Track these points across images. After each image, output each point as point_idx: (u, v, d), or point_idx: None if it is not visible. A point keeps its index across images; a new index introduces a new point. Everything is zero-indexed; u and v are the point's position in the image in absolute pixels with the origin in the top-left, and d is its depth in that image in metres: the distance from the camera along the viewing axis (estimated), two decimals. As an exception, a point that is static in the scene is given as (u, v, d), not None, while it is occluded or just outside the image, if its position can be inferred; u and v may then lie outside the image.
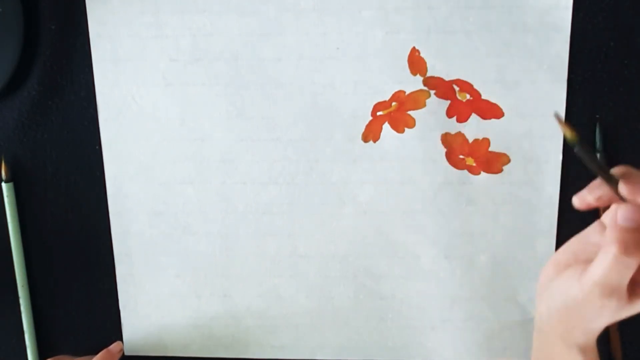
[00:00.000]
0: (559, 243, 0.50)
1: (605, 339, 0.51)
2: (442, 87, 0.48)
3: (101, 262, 0.53)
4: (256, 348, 0.54)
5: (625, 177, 0.35)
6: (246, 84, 0.50)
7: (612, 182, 0.34)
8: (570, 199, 0.50)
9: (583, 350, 0.40)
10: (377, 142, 0.50)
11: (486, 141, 0.49)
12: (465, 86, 0.48)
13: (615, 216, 0.34)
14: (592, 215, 0.50)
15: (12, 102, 0.51)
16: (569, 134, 0.34)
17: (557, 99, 0.48)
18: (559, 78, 0.48)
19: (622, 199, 0.35)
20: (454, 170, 0.49)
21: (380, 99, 0.49)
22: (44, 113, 0.51)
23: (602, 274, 0.35)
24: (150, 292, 0.54)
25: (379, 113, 0.49)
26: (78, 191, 0.52)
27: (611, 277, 0.35)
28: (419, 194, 0.50)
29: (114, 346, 0.53)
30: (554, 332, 0.40)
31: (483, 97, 0.48)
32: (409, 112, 0.49)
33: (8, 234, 0.53)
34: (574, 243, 0.39)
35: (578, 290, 0.37)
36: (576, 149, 0.34)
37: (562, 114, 0.48)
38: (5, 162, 0.52)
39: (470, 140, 0.49)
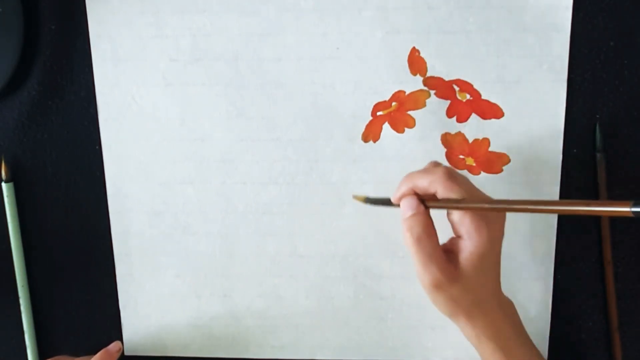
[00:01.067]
0: (559, 243, 0.50)
1: (605, 339, 0.51)
2: (442, 87, 0.48)
3: (101, 262, 0.53)
4: (256, 348, 0.54)
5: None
6: (246, 84, 0.50)
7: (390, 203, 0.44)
8: (570, 199, 0.50)
9: (493, 335, 0.43)
10: (377, 142, 0.50)
11: (486, 141, 0.49)
12: (465, 86, 0.48)
13: (401, 214, 0.43)
14: (591, 216, 0.50)
15: (12, 102, 0.51)
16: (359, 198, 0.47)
17: (557, 99, 0.48)
18: (559, 78, 0.48)
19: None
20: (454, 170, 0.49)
21: (380, 99, 0.49)
22: (44, 113, 0.51)
23: (416, 261, 0.41)
24: (150, 292, 0.54)
25: (379, 113, 0.49)
26: (78, 191, 0.52)
27: (422, 259, 0.41)
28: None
29: (113, 346, 0.53)
30: (459, 326, 0.44)
31: (483, 97, 0.48)
32: (409, 112, 0.49)
33: (8, 234, 0.53)
34: None
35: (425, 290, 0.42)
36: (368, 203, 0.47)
37: (562, 114, 0.48)
38: (5, 162, 0.52)
39: (470, 140, 0.49)
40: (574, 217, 0.50)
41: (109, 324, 0.54)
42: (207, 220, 0.52)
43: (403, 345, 0.53)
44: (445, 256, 0.41)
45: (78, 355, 0.54)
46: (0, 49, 0.49)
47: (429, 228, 0.42)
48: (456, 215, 0.41)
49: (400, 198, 0.43)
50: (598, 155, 0.48)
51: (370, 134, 0.50)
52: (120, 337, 0.54)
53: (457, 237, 0.42)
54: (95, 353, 0.52)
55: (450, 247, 0.42)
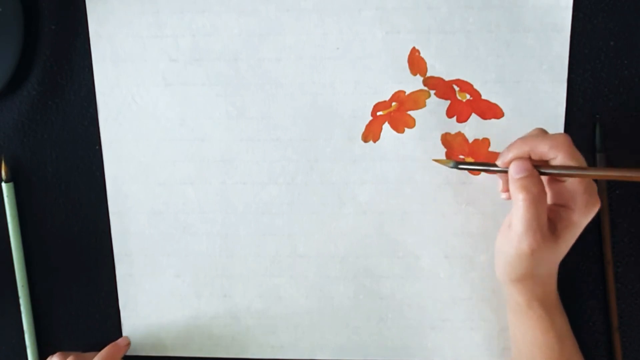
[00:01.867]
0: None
1: (605, 339, 0.51)
2: (442, 87, 0.48)
3: (101, 262, 0.53)
4: (256, 348, 0.54)
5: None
6: (246, 84, 0.50)
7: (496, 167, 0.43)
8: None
9: (542, 302, 0.43)
10: (377, 142, 0.50)
11: (486, 141, 0.49)
12: (465, 86, 0.48)
13: (511, 175, 0.41)
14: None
15: (12, 102, 0.51)
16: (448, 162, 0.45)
17: (557, 99, 0.48)
18: (559, 78, 0.48)
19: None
20: (454, 170, 0.49)
21: (380, 99, 0.49)
22: (44, 113, 0.51)
23: (520, 222, 0.40)
24: (150, 292, 0.54)
25: (379, 113, 0.49)
26: (78, 191, 0.52)
27: (529, 221, 0.39)
28: (419, 194, 0.50)
29: (121, 340, 0.53)
30: (513, 291, 0.44)
31: (483, 97, 0.48)
32: (409, 112, 0.49)
33: (8, 234, 0.53)
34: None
35: (509, 247, 0.41)
36: (458, 167, 0.45)
37: (562, 114, 0.48)
38: (5, 162, 0.52)
39: (470, 140, 0.49)
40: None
41: (109, 324, 0.54)
42: (207, 220, 0.52)
43: (403, 345, 0.53)
44: (547, 223, 0.41)
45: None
46: (0, 49, 0.49)
47: (544, 191, 0.40)
48: (570, 184, 0.41)
49: (511, 161, 0.42)
50: (598, 155, 0.48)
51: (370, 134, 0.50)
52: (120, 337, 0.54)
53: (561, 205, 0.41)
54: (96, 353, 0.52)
55: (549, 215, 0.42)
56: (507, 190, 0.43)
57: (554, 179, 0.42)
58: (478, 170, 0.46)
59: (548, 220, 0.41)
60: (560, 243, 0.42)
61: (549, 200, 0.42)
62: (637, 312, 0.51)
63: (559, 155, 0.40)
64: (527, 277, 0.43)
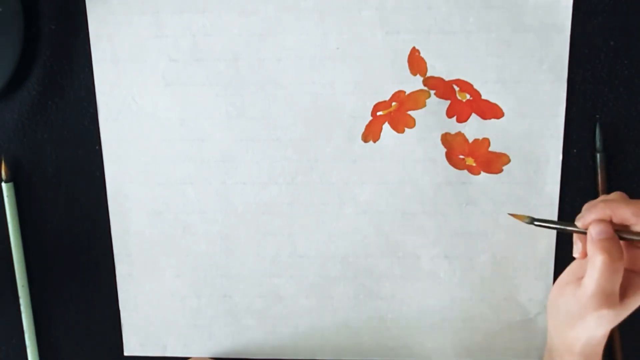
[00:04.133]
0: (559, 243, 0.50)
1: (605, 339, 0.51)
2: (442, 87, 0.48)
3: (101, 262, 0.53)
4: (256, 348, 0.54)
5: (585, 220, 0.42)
6: (246, 84, 0.50)
7: (574, 227, 0.42)
8: (570, 199, 0.50)
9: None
10: (377, 142, 0.50)
11: (486, 141, 0.49)
12: (465, 86, 0.48)
13: (590, 235, 0.40)
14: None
15: (12, 102, 0.51)
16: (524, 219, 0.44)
17: (557, 99, 0.48)
18: (559, 78, 0.48)
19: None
20: (454, 170, 0.49)
21: (380, 99, 0.49)
22: (44, 113, 0.51)
23: (595, 283, 0.39)
24: (150, 292, 0.54)
25: (379, 113, 0.49)
26: (78, 191, 0.52)
27: (604, 285, 0.39)
28: (419, 194, 0.50)
29: None
30: (562, 347, 0.43)
31: (483, 97, 0.48)
32: (409, 112, 0.49)
33: (8, 234, 0.53)
34: (574, 264, 0.43)
35: (575, 305, 0.41)
36: (534, 223, 0.44)
37: (562, 114, 0.48)
38: (5, 162, 0.52)
39: (470, 140, 0.49)
40: (574, 216, 0.50)
41: (109, 324, 0.54)
42: (207, 220, 0.52)
43: (403, 345, 0.53)
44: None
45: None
46: (0, 49, 0.49)
47: (622, 255, 0.40)
48: None
49: (591, 222, 0.41)
50: (598, 155, 0.48)
51: (370, 134, 0.50)
52: (120, 337, 0.55)
53: (635, 272, 0.41)
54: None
55: (622, 280, 0.41)
56: (584, 252, 0.42)
57: (632, 244, 0.42)
58: (555, 229, 0.46)
59: (620, 285, 0.41)
60: (625, 308, 0.41)
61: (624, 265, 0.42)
62: (637, 312, 0.51)
63: None
64: (567, 327, 0.42)
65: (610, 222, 0.41)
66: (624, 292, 0.41)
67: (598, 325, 0.41)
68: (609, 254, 0.39)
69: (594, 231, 0.41)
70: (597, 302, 0.40)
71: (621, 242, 0.40)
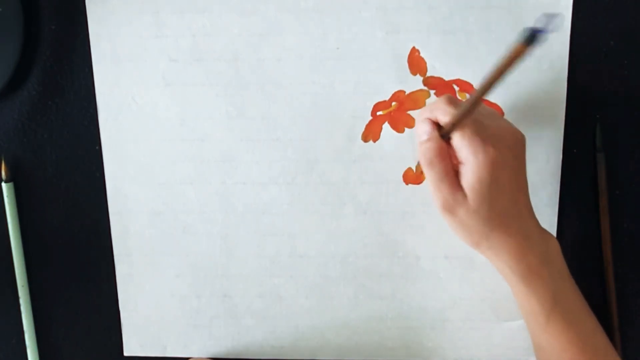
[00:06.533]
0: (559, 243, 0.50)
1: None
2: (442, 87, 0.48)
3: (101, 262, 0.53)
4: (256, 348, 0.54)
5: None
6: (246, 84, 0.50)
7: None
8: (570, 199, 0.50)
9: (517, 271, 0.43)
10: (377, 142, 0.50)
11: (486, 141, 0.49)
12: (465, 86, 0.48)
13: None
14: (593, 214, 0.50)
15: (12, 102, 0.51)
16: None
17: (557, 99, 0.48)
18: (559, 78, 0.48)
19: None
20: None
21: (380, 99, 0.49)
22: (44, 113, 0.51)
23: (432, 194, 0.43)
24: (150, 292, 0.54)
25: (379, 113, 0.49)
26: (78, 191, 0.52)
27: (433, 192, 0.43)
28: (419, 194, 0.50)
29: None
30: (501, 270, 0.45)
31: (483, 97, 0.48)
32: (409, 112, 0.49)
33: (8, 234, 0.53)
34: None
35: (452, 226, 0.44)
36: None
37: (562, 114, 0.48)
38: (5, 162, 0.52)
39: (470, 140, 0.49)
40: (573, 216, 0.50)
41: (109, 324, 0.54)
42: (207, 220, 0.52)
43: (403, 345, 0.53)
44: (456, 180, 0.42)
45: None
46: (0, 49, 0.49)
47: (441, 152, 0.42)
48: (455, 140, 0.42)
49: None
50: (598, 155, 0.48)
51: (370, 134, 0.50)
52: (120, 337, 0.55)
53: (460, 163, 0.42)
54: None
55: (457, 174, 0.43)
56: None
57: (452, 137, 0.42)
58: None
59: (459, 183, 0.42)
60: (473, 198, 0.41)
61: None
62: (637, 312, 0.51)
63: (438, 116, 0.42)
64: (475, 239, 0.43)
65: (436, 123, 0.43)
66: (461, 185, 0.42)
67: (458, 228, 0.43)
68: (424, 156, 0.42)
69: (415, 135, 0.45)
70: (438, 201, 0.43)
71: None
